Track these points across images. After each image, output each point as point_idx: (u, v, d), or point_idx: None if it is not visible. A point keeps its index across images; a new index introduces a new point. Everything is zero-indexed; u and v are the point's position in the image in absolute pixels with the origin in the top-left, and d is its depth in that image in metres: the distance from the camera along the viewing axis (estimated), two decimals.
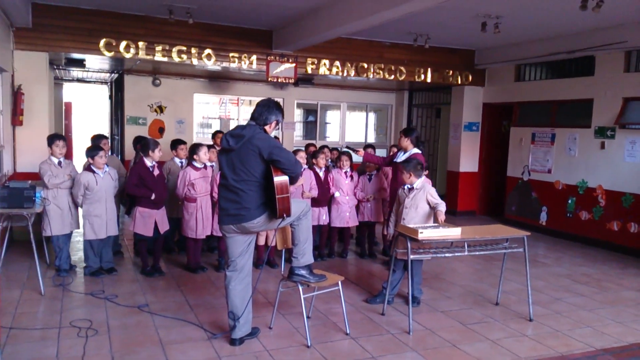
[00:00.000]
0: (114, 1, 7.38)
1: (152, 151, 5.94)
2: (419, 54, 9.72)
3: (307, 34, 7.74)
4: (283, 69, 8.96)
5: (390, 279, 5.10)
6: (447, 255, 4.73)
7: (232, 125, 11.72)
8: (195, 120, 11.61)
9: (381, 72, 9.72)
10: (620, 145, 8.03)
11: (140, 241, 6.14)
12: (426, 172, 5.67)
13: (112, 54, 7.92)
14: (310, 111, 13.16)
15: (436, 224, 4.89)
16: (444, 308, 5.33)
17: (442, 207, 4.97)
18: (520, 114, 10.00)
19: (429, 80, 10.12)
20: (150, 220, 5.93)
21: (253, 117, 4.10)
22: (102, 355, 4.01)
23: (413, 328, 4.66)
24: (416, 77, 10.01)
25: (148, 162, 5.94)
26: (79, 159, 11.56)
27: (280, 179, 3.87)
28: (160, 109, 10.90)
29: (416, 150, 6.21)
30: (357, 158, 7.14)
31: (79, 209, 5.95)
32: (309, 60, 9.21)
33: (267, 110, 4.09)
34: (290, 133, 12.07)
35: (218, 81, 11.37)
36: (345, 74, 9.48)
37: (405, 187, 5.21)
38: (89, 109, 19.13)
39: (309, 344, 4.28)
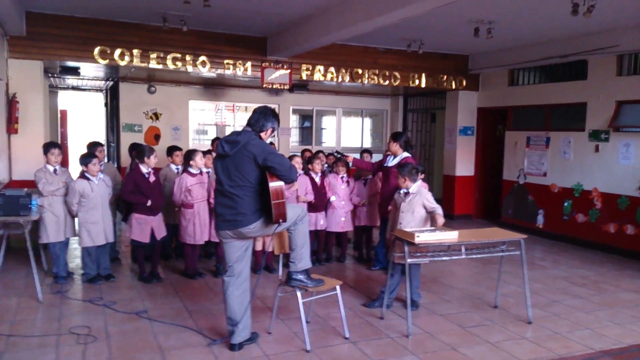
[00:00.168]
0: (108, 9, 7.39)
1: (148, 158, 5.94)
2: (412, 60, 9.76)
3: (301, 40, 7.77)
4: (278, 75, 8.98)
5: (388, 283, 5.10)
6: (444, 258, 4.74)
7: (228, 131, 11.73)
8: (191, 127, 11.59)
9: (376, 77, 9.76)
10: (614, 148, 8.08)
11: (137, 248, 6.12)
12: (422, 176, 5.69)
13: (106, 61, 7.92)
14: (305, 117, 13.18)
15: (433, 228, 4.90)
16: (442, 311, 5.33)
17: (439, 210, 4.99)
18: (514, 118, 10.05)
19: (423, 85, 10.18)
20: (146, 226, 5.92)
21: (249, 124, 4.12)
22: None
23: (412, 332, 4.66)
24: (410, 82, 10.06)
25: (144, 169, 5.94)
26: (75, 167, 11.55)
27: (275, 185, 3.88)
28: (156, 116, 10.89)
29: (406, 154, 6.24)
30: None
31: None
32: (304, 67, 9.25)
33: (263, 117, 4.11)
34: (286, 139, 12.08)
35: (213, 88, 11.38)
36: (340, 79, 9.51)
37: (401, 191, 5.23)
38: (85, 117, 19.10)
39: (308, 349, 4.28)
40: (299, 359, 4.16)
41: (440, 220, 4.90)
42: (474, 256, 4.89)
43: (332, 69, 9.43)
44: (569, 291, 6.16)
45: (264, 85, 8.98)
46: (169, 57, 8.27)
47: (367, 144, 13.43)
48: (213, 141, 8.65)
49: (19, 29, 7.25)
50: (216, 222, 4.17)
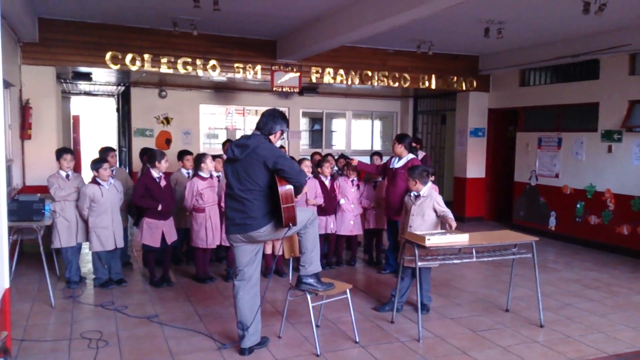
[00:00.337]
0: (119, 15, 7.46)
1: (159, 162, 5.97)
2: (422, 61, 9.74)
3: (310, 43, 7.79)
4: (287, 78, 9.00)
5: (398, 287, 5.08)
6: (455, 262, 4.72)
7: (239, 135, 11.77)
8: (202, 131, 11.67)
9: (385, 79, 9.75)
10: (627, 148, 7.99)
11: (149, 252, 6.16)
12: (432, 178, 5.66)
13: (118, 66, 8.00)
14: (315, 120, 13.19)
15: (443, 231, 4.88)
16: (453, 315, 5.30)
17: (449, 214, 4.97)
18: (526, 119, 9.98)
19: (433, 86, 10.14)
20: (157, 231, 5.95)
21: (258, 127, 4.14)
22: None
23: (423, 335, 4.63)
24: (420, 83, 10.03)
25: (155, 173, 5.98)
26: (88, 172, 11.64)
27: (285, 189, 3.89)
28: (167, 120, 10.97)
29: (411, 156, 6.22)
30: None
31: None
32: (313, 69, 9.26)
33: (272, 120, 4.12)
34: (296, 142, 12.10)
35: (223, 92, 11.44)
36: (349, 82, 9.51)
37: (412, 194, 5.20)
38: (97, 122, 19.24)
39: (319, 353, 4.27)
40: None
41: (454, 224, 4.86)
42: (485, 259, 4.86)
43: (341, 71, 9.43)
44: (581, 294, 6.09)
45: (274, 89, 9.02)
46: (180, 61, 8.33)
47: (377, 146, 13.41)
48: (224, 144, 8.72)
49: (32, 36, 7.34)
50: (226, 226, 4.19)
